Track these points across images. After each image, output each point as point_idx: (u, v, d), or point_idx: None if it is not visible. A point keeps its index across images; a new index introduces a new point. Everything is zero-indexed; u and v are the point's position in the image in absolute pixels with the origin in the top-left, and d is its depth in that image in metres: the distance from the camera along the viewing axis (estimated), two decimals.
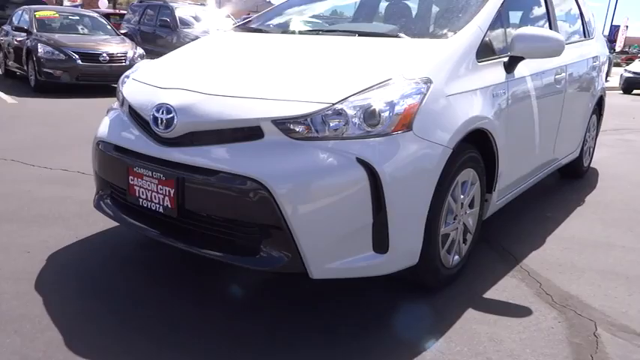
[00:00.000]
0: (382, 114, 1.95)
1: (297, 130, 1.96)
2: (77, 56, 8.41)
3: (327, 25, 3.22)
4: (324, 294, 2.34)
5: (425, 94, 2.07)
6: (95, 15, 10.68)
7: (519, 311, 2.29)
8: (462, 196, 2.37)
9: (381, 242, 1.99)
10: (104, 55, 8.61)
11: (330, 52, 2.46)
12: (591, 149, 4.83)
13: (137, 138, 2.26)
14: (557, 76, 3.33)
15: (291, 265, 1.95)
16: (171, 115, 2.09)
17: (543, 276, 2.66)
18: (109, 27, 10.13)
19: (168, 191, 2.08)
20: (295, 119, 1.96)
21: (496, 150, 2.57)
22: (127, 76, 2.65)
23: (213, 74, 2.37)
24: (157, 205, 2.14)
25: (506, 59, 2.67)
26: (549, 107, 3.27)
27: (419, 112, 2.03)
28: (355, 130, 1.95)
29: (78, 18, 10.19)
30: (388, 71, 2.11)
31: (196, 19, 11.49)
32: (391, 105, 1.97)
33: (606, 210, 3.80)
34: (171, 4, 11.57)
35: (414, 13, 3.05)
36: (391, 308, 2.26)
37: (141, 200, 2.20)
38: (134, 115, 2.34)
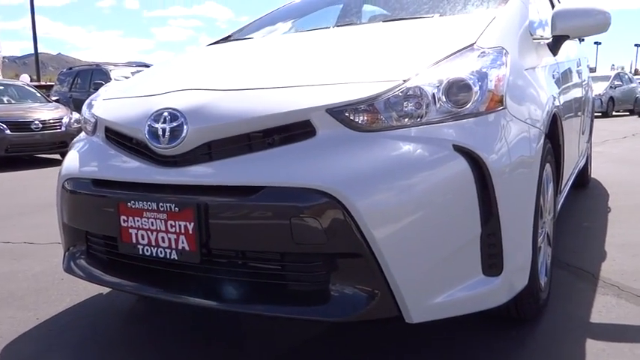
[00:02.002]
0: (473, 88, 1.45)
1: (361, 119, 1.43)
2: (5, 126, 7.52)
3: (333, 22, 2.75)
4: (396, 340, 1.74)
5: (506, 65, 1.60)
6: (20, 83, 9.85)
7: None
8: (546, 197, 1.89)
9: (493, 261, 1.44)
10: (36, 122, 7.78)
11: (366, 37, 1.98)
12: (590, 157, 4.59)
13: (127, 164, 1.63)
14: (578, 68, 3.01)
15: (379, 308, 1.36)
16: (177, 123, 1.50)
17: (637, 288, 2.19)
18: (38, 94, 9.31)
19: (185, 227, 1.46)
20: (357, 105, 1.43)
21: (562, 142, 2.14)
22: (94, 99, 2.04)
23: (226, 71, 1.81)
24: (168, 251, 1.50)
25: (549, 40, 2.29)
26: (579, 99, 2.93)
27: (508, 87, 1.55)
28: (439, 111, 1.43)
29: (2, 88, 9.30)
30: (456, 42, 1.64)
31: None
32: (481, 76, 1.48)
33: (639, 213, 3.46)
34: (105, 67, 10.94)
35: None
36: (491, 352, 1.69)
37: (141, 247, 1.55)
38: (117, 136, 1.72)
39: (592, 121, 4.52)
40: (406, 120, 1.43)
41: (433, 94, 1.44)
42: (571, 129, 2.51)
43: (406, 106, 1.43)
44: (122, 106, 1.79)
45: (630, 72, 29.77)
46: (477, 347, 1.73)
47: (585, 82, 3.47)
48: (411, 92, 1.44)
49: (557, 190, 2.21)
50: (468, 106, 1.44)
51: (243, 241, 1.43)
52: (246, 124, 1.46)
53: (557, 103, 2.00)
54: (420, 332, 1.80)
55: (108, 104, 1.88)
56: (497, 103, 1.49)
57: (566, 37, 2.30)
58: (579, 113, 2.92)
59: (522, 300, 1.69)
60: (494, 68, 1.53)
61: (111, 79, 10.34)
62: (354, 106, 1.43)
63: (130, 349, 1.83)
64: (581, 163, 3.79)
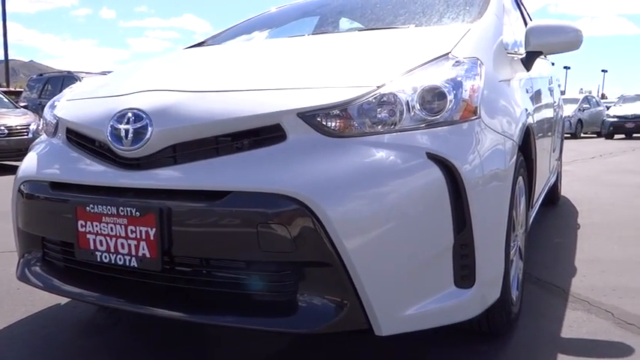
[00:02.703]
0: (447, 96, 1.43)
1: (334, 124, 1.39)
2: None
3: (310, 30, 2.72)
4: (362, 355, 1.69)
5: (481, 76, 1.58)
6: None
7: (618, 349, 1.78)
8: (519, 211, 1.88)
9: (465, 272, 1.41)
10: (2, 128, 7.56)
11: (342, 44, 1.95)
12: (560, 175, 4.65)
13: (87, 166, 1.55)
14: (550, 86, 3.05)
15: (348, 320, 1.31)
16: (141, 124, 1.43)
17: (607, 303, 2.19)
18: (5, 100, 9.05)
19: (146, 233, 1.39)
20: (329, 109, 1.39)
21: (535, 156, 2.14)
22: (57, 100, 1.96)
23: (196, 73, 1.75)
24: (128, 258, 1.43)
25: (523, 55, 2.30)
26: (551, 117, 2.96)
27: (482, 97, 1.54)
28: (413, 119, 1.41)
29: None
30: (431, 50, 1.62)
31: None
32: (456, 84, 1.46)
33: (609, 231, 3.50)
34: (77, 74, 10.72)
35: (399, 9, 2.60)
36: None
37: (99, 254, 1.47)
38: (78, 138, 1.64)
39: (562, 140, 4.59)
40: (379, 127, 1.40)
41: (407, 102, 1.41)
42: (543, 144, 2.53)
43: (379, 113, 1.40)
44: (85, 106, 1.71)
45: (597, 96, 30.71)
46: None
47: (556, 102, 3.51)
48: (384, 99, 1.41)
49: (529, 204, 2.21)
50: (442, 114, 1.41)
51: (208, 249, 1.37)
52: (214, 127, 1.40)
53: (530, 116, 2.00)
54: (388, 345, 1.74)
55: (70, 105, 1.80)
56: (471, 112, 1.47)
57: (539, 53, 2.32)
58: (551, 130, 2.95)
59: (494, 314, 1.66)
60: (469, 78, 1.51)
61: None
62: (326, 111, 1.39)
63: None
64: (552, 180, 3.83)
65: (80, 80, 10.32)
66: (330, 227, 1.27)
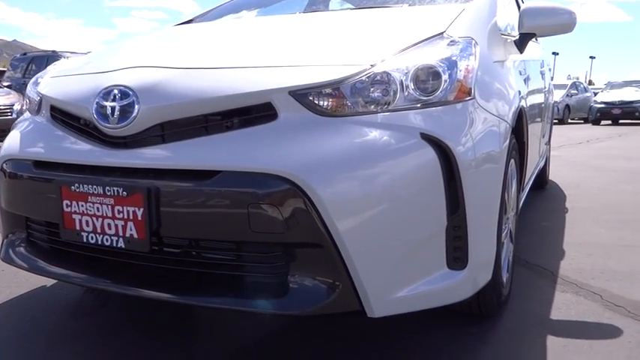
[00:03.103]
0: (442, 75, 1.40)
1: (326, 103, 1.36)
2: None
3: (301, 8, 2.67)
4: (352, 335, 1.68)
5: (475, 56, 1.56)
6: None
7: (607, 331, 1.79)
8: (510, 193, 1.87)
9: (458, 254, 1.40)
10: None
11: (335, 23, 1.91)
12: (548, 160, 4.67)
13: (72, 144, 1.51)
14: (542, 69, 3.04)
15: (340, 301, 1.29)
16: (128, 102, 1.39)
17: (595, 286, 2.21)
18: None
19: (134, 213, 1.35)
20: (322, 88, 1.36)
21: (527, 139, 2.13)
22: (41, 77, 1.90)
23: (184, 50, 1.71)
24: (115, 239, 1.39)
25: (516, 37, 2.28)
26: (542, 100, 2.95)
27: (476, 78, 1.51)
28: (406, 98, 1.38)
29: None
30: (424, 29, 1.59)
31: None
32: (450, 64, 1.43)
33: (596, 214, 3.53)
34: (62, 53, 10.52)
35: None
36: (453, 348, 1.65)
37: (85, 235, 1.43)
38: (63, 116, 1.59)
39: (551, 125, 4.60)
40: (372, 106, 1.37)
41: (401, 81, 1.38)
42: (534, 128, 2.52)
43: (373, 92, 1.37)
44: (69, 83, 1.66)
45: (585, 82, 30.85)
46: (438, 343, 1.69)
47: (547, 87, 3.50)
48: (378, 77, 1.38)
49: (520, 187, 2.20)
50: (436, 94, 1.39)
51: (197, 229, 1.34)
52: (203, 105, 1.37)
53: (523, 99, 1.99)
54: (379, 326, 1.74)
55: (55, 81, 1.75)
56: (465, 93, 1.45)
57: (532, 35, 2.29)
58: (542, 114, 2.95)
59: (485, 295, 1.66)
60: (463, 58, 1.48)
61: None
62: (318, 89, 1.35)
63: (75, 344, 1.70)
64: (541, 164, 3.84)
65: (66, 59, 10.14)
66: (322, 208, 1.24)
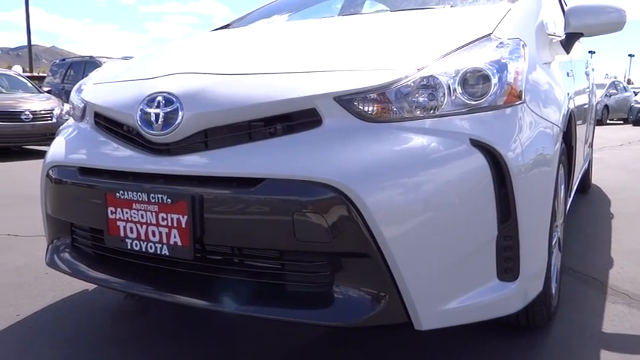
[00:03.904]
0: (492, 79, 1.35)
1: (371, 109, 1.33)
2: None
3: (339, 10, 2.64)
4: (397, 347, 1.64)
5: (525, 58, 1.50)
6: (12, 73, 9.67)
7: None
8: (559, 200, 1.80)
9: (508, 265, 1.35)
10: (26, 113, 7.61)
11: (375, 26, 1.88)
12: (591, 163, 4.52)
13: (116, 151, 1.52)
14: (586, 69, 2.93)
15: (387, 313, 1.26)
16: (172, 108, 1.39)
17: None
18: (29, 85, 9.13)
19: (178, 220, 1.35)
20: (367, 93, 1.32)
21: (575, 142, 2.04)
22: (84, 84, 1.92)
23: (226, 56, 1.70)
24: (159, 246, 1.39)
25: (562, 37, 2.20)
26: (587, 102, 2.84)
27: (526, 81, 1.46)
28: (454, 103, 1.33)
29: None
30: (471, 31, 1.54)
31: None
32: (500, 67, 1.38)
33: None
34: (99, 59, 10.76)
35: None
36: None
37: (129, 241, 1.44)
38: (107, 122, 1.61)
39: (594, 126, 4.45)
40: (419, 111, 1.33)
41: (448, 85, 1.33)
42: (580, 130, 2.43)
43: (419, 97, 1.33)
44: (113, 90, 1.67)
45: (624, 81, 29.91)
46: (485, 356, 1.63)
47: (591, 87, 3.39)
48: (424, 82, 1.34)
49: (567, 193, 2.12)
50: (485, 98, 1.34)
51: (241, 237, 1.32)
52: (247, 111, 1.35)
53: (571, 101, 1.91)
54: (423, 338, 1.69)
55: (98, 88, 1.76)
56: (515, 97, 1.39)
57: (580, 35, 2.21)
58: (587, 115, 2.84)
59: (534, 307, 1.59)
60: (513, 60, 1.43)
61: None
62: (363, 95, 1.32)
63: (117, 348, 1.71)
64: (585, 167, 3.71)
65: (102, 64, 10.37)
66: (369, 216, 1.21)
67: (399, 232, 1.23)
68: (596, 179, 4.83)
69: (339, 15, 2.50)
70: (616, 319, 1.90)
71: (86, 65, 10.79)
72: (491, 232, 1.31)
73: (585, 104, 2.74)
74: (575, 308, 1.99)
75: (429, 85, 1.34)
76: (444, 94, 1.33)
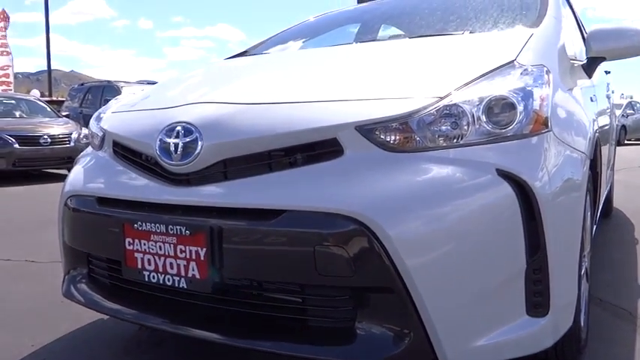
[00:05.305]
0: (517, 107, 1.32)
1: (394, 138, 1.30)
2: (13, 140, 7.46)
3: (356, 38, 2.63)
4: None
5: (549, 85, 1.47)
6: (32, 98, 9.86)
7: None
8: (586, 229, 1.74)
9: (538, 300, 1.29)
10: (45, 137, 7.72)
11: (395, 53, 1.86)
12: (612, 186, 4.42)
13: (134, 181, 1.51)
14: (607, 92, 2.88)
15: (413, 351, 1.21)
16: (191, 138, 1.38)
17: None
18: (48, 109, 9.29)
19: (196, 253, 1.32)
20: (389, 122, 1.30)
21: (600, 169, 1.99)
22: (103, 112, 1.93)
23: (244, 84, 1.69)
24: (177, 278, 1.36)
25: (583, 61, 2.16)
26: (609, 125, 2.79)
27: (552, 108, 1.42)
28: (478, 132, 1.30)
29: (14, 102, 9.28)
30: (493, 58, 1.51)
31: None
32: (525, 94, 1.34)
33: None
34: (116, 84, 10.94)
35: (448, 15, 2.48)
36: None
37: (147, 274, 1.41)
38: (125, 152, 1.60)
39: (615, 148, 4.37)
40: (442, 141, 1.30)
41: (472, 114, 1.30)
42: (604, 154, 2.37)
43: (443, 126, 1.30)
44: (132, 119, 1.67)
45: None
46: None
47: (612, 110, 3.34)
48: (448, 110, 1.31)
49: (593, 221, 2.06)
50: (511, 127, 1.30)
51: (261, 271, 1.29)
52: (267, 141, 1.33)
53: (596, 127, 1.87)
54: None
55: (117, 117, 1.76)
56: (541, 125, 1.35)
57: (602, 59, 2.17)
58: (609, 139, 2.79)
59: (563, 341, 1.51)
60: (537, 87, 1.39)
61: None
62: (386, 124, 1.30)
63: None
64: (607, 192, 3.63)
65: (120, 89, 10.53)
66: (393, 250, 1.17)
67: (424, 266, 1.19)
68: (617, 202, 4.73)
69: (355, 41, 2.50)
70: None
71: (104, 90, 10.97)
72: (520, 265, 1.26)
73: (608, 127, 2.69)
74: (605, 341, 1.91)
75: (452, 113, 1.31)
76: (468, 122, 1.30)
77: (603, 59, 2.18)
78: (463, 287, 1.22)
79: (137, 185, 1.49)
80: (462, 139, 1.30)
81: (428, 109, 1.31)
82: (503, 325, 1.26)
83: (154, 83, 11.67)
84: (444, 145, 1.29)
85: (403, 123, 1.30)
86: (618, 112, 16.83)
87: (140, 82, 12.05)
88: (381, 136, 1.30)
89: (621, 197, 5.03)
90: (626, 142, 17.38)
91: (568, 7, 2.86)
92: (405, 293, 1.18)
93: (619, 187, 5.80)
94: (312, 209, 1.23)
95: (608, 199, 3.99)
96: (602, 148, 2.12)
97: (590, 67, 2.17)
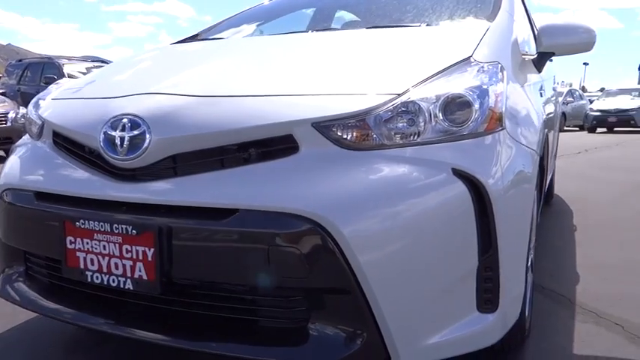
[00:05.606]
0: (473, 105, 1.32)
1: (351, 136, 1.28)
2: None
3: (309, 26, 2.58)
4: None
5: (503, 82, 1.48)
6: None
7: None
8: (534, 222, 1.79)
9: (488, 296, 1.32)
10: None
11: (352, 44, 1.82)
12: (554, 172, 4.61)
13: (76, 175, 1.42)
14: (554, 85, 2.97)
15: (366, 351, 1.20)
16: (139, 132, 1.30)
17: (615, 315, 2.13)
18: None
19: (144, 253, 1.26)
20: (347, 119, 1.27)
21: (547, 163, 2.05)
22: (42, 98, 1.80)
23: (197, 74, 1.61)
24: (122, 279, 1.30)
25: (534, 56, 2.20)
26: (555, 116, 2.88)
27: (506, 106, 1.43)
28: (434, 129, 1.30)
29: None
30: (450, 54, 1.51)
31: None
32: (482, 93, 1.35)
33: (605, 232, 3.46)
34: (58, 60, 10.38)
35: (405, 5, 2.46)
36: None
37: (90, 274, 1.34)
38: (66, 143, 1.50)
39: (558, 137, 4.55)
40: (399, 138, 1.29)
41: (430, 111, 1.30)
42: (550, 147, 2.45)
43: (400, 123, 1.29)
44: (74, 108, 1.57)
45: (579, 88, 31.02)
46: None
47: (557, 100, 3.45)
48: (405, 108, 1.30)
49: (538, 213, 2.13)
50: (467, 125, 1.31)
51: (212, 272, 1.25)
52: (219, 137, 1.28)
53: (545, 121, 1.91)
54: None
55: (58, 105, 1.65)
56: (496, 123, 1.36)
57: (551, 54, 2.22)
58: (555, 130, 2.88)
59: (509, 332, 1.57)
60: (492, 85, 1.40)
61: (63, 74, 9.81)
62: (343, 121, 1.27)
63: None
64: (549, 179, 3.78)
65: (62, 67, 10.00)
66: (348, 249, 1.16)
67: (379, 264, 1.19)
68: (557, 188, 4.93)
69: (311, 27, 2.45)
70: (587, 339, 1.91)
71: (44, 67, 10.40)
72: (473, 263, 1.27)
73: (553, 116, 2.77)
74: (546, 327, 1.99)
75: (410, 110, 1.30)
76: (425, 120, 1.29)
77: (553, 54, 2.23)
78: (417, 286, 1.22)
79: (79, 180, 1.40)
80: (418, 136, 1.29)
81: (386, 106, 1.29)
82: (455, 322, 1.28)
83: (99, 60, 11.14)
84: (401, 142, 1.28)
85: (361, 120, 1.28)
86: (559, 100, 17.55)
87: (84, 59, 11.46)
88: (338, 133, 1.27)
89: (561, 184, 5.25)
90: (565, 128, 18.18)
91: (520, 2, 2.92)
92: (359, 293, 1.17)
93: (560, 173, 6.06)
94: (265, 208, 1.19)
95: (550, 186, 4.15)
96: (549, 140, 2.18)
97: (540, 61, 2.21)
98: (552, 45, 2.12)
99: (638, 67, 39.49)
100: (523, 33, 2.28)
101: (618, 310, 2.16)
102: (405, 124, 1.29)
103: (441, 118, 1.30)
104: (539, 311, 2.13)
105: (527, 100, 1.72)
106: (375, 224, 1.19)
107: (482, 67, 1.44)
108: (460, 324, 1.29)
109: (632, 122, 16.38)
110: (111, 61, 11.46)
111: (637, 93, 18.06)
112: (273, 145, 1.27)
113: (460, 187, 1.24)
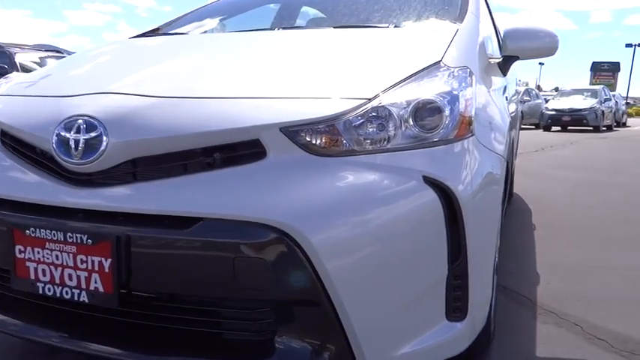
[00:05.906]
0: (443, 111, 1.30)
1: (319, 141, 1.24)
2: None
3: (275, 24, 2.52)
4: None
5: (472, 87, 1.47)
6: None
7: None
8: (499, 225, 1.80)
9: (457, 304, 1.30)
10: None
11: (320, 45, 1.77)
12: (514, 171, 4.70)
13: (27, 180, 1.32)
14: (517, 87, 3.01)
15: None
16: (95, 134, 1.22)
17: (575, 315, 2.17)
18: None
19: (100, 264, 1.19)
20: (316, 124, 1.23)
21: (511, 166, 2.06)
22: None
23: (159, 73, 1.53)
24: (76, 292, 1.22)
25: (499, 59, 2.22)
26: (517, 117, 2.92)
27: (475, 111, 1.42)
28: (405, 135, 1.27)
29: None
30: (420, 58, 1.49)
31: (41, 65, 9.91)
32: (452, 99, 1.33)
33: (563, 231, 3.54)
34: (9, 49, 9.88)
35: (373, 4, 2.43)
36: None
37: (41, 286, 1.25)
38: (16, 144, 1.40)
39: (518, 137, 4.64)
40: (369, 144, 1.25)
41: (400, 116, 1.27)
42: (513, 148, 2.48)
43: (370, 128, 1.26)
44: (25, 106, 1.47)
45: (535, 88, 31.97)
46: None
47: (518, 102, 3.51)
48: (375, 113, 1.27)
49: (503, 215, 2.15)
50: (437, 132, 1.29)
51: (174, 283, 1.19)
52: (182, 140, 1.21)
53: (510, 125, 1.92)
54: None
55: (7, 102, 1.54)
56: (466, 129, 1.35)
57: (516, 58, 2.24)
58: (515, 129, 2.92)
59: (476, 337, 1.57)
60: (462, 90, 1.39)
61: (15, 63, 9.35)
62: (312, 126, 1.23)
63: None
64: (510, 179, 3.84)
65: (13, 55, 9.54)
66: (316, 259, 1.12)
67: (348, 274, 1.15)
68: (516, 187, 5.04)
69: (277, 24, 2.39)
70: (548, 341, 1.94)
71: None
72: (442, 271, 1.26)
73: (515, 116, 2.81)
74: (509, 329, 2.01)
75: (380, 116, 1.27)
76: (395, 126, 1.27)
77: (517, 58, 2.25)
78: (387, 296, 1.20)
79: (30, 184, 1.31)
80: (388, 142, 1.26)
81: (356, 111, 1.25)
82: (425, 332, 1.26)
83: (54, 49, 10.67)
84: (371, 148, 1.25)
85: (330, 125, 1.24)
86: None
87: (38, 48, 10.95)
88: (307, 138, 1.23)
89: (520, 182, 5.37)
90: (522, 126, 18.69)
91: (484, 4, 2.93)
92: (327, 304, 1.14)
93: (518, 171, 6.20)
94: (230, 217, 1.14)
95: (510, 184, 4.22)
96: (513, 142, 2.20)
97: (505, 65, 2.23)
98: (517, 49, 2.14)
99: (590, 67, 41.02)
100: (488, 35, 2.29)
101: (578, 311, 2.21)
102: (375, 130, 1.26)
103: (412, 123, 1.27)
104: (502, 312, 2.15)
105: (494, 104, 1.72)
106: (344, 233, 1.16)
107: (452, 72, 1.42)
108: (429, 333, 1.27)
109: (585, 122, 17.03)
110: (66, 50, 11.01)
111: (589, 93, 18.79)
112: (239, 150, 1.21)
113: (431, 195, 1.22)
